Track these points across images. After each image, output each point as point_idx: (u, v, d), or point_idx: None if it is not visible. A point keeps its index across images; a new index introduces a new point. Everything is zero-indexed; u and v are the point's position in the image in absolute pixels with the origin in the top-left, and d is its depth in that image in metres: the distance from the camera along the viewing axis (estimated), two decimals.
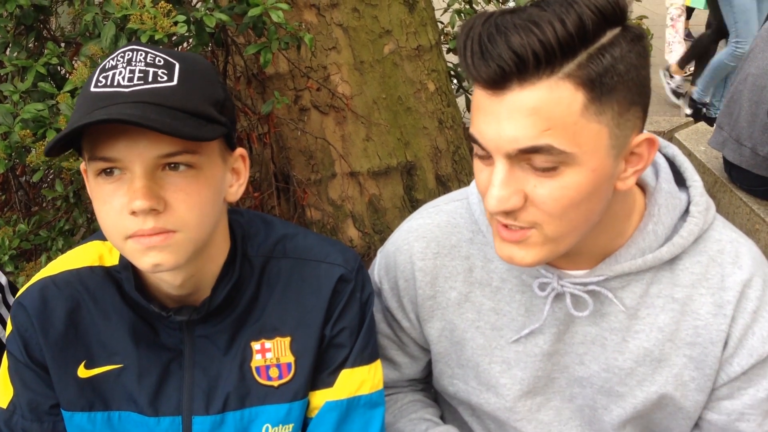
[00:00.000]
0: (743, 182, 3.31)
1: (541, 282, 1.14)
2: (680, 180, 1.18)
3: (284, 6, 1.72)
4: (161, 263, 0.99)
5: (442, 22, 2.91)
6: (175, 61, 1.00)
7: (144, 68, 0.97)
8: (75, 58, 1.80)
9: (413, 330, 1.29)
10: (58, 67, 1.70)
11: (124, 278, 1.12)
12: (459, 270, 1.22)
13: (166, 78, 0.97)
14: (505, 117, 0.93)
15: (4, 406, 1.17)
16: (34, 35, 1.75)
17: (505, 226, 1.00)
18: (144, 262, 0.99)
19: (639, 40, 0.95)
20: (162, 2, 1.49)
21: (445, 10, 2.98)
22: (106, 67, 0.99)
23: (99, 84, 0.97)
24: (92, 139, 0.97)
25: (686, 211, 1.14)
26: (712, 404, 1.18)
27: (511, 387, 1.21)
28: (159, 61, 0.99)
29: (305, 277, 1.18)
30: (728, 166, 3.36)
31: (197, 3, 2.37)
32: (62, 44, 1.92)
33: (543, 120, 0.91)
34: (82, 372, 1.15)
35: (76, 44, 1.87)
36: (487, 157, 0.98)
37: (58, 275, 1.16)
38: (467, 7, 2.89)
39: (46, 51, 1.64)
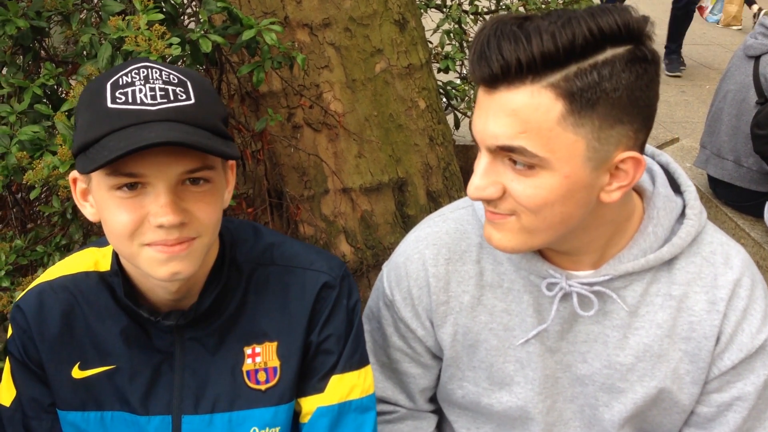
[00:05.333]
0: (728, 198, 3.38)
1: (549, 282, 1.18)
2: (674, 185, 1.23)
3: (277, 28, 1.76)
4: (180, 271, 1.04)
5: (431, 42, 2.96)
6: (186, 79, 1.03)
7: (163, 86, 1.00)
8: (72, 78, 1.83)
9: (428, 337, 1.32)
10: (55, 87, 1.73)
11: (115, 284, 1.15)
12: (471, 274, 1.26)
13: (184, 96, 1.00)
14: (492, 114, 1.00)
15: (8, 405, 1.22)
16: (31, 56, 1.78)
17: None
18: (163, 271, 1.03)
19: (642, 62, 0.99)
20: (156, 25, 1.53)
21: (435, 31, 3.03)
22: (120, 83, 1.00)
23: (118, 100, 0.98)
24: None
25: (682, 214, 1.20)
26: (702, 397, 1.23)
27: (524, 386, 1.26)
28: (173, 78, 1.02)
29: (291, 284, 1.22)
30: (713, 182, 3.42)
31: (189, 23, 2.41)
32: (56, 64, 1.95)
33: (520, 122, 0.98)
34: (77, 373, 1.19)
35: (72, 64, 1.90)
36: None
37: (55, 280, 1.21)
38: (456, 27, 2.94)
39: (43, 71, 1.66)
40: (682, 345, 1.19)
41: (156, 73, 1.01)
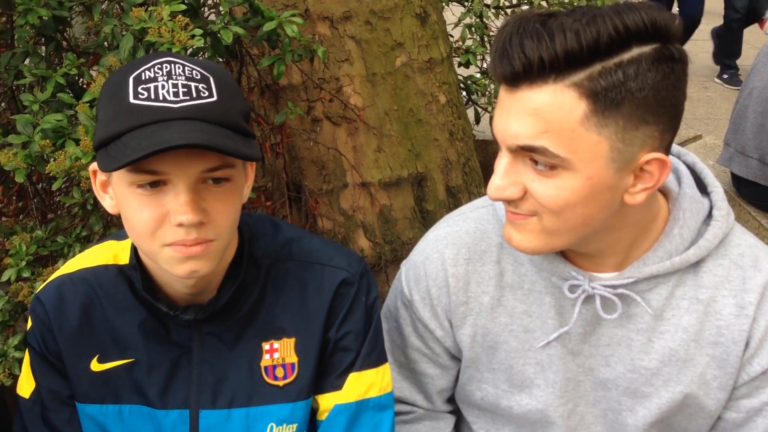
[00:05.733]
0: (752, 197, 3.33)
1: (572, 284, 1.16)
2: (700, 186, 1.21)
3: (298, 20, 1.75)
4: (198, 270, 1.04)
5: (452, 36, 2.93)
6: (208, 75, 1.02)
7: (185, 82, 0.99)
8: (93, 69, 1.83)
9: (447, 338, 1.30)
10: (77, 78, 1.73)
11: (134, 277, 1.16)
12: (491, 275, 1.24)
13: (206, 93, 0.99)
14: (513, 113, 0.98)
15: (27, 396, 1.23)
16: (53, 46, 1.78)
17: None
18: (181, 269, 1.03)
19: (669, 61, 0.96)
20: (179, 16, 1.52)
21: (456, 25, 3.01)
22: (143, 78, 0.99)
23: (140, 96, 0.98)
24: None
25: (708, 216, 1.17)
26: (731, 403, 1.21)
27: (545, 388, 1.24)
28: (196, 74, 1.01)
29: (309, 280, 1.21)
30: (736, 181, 3.38)
31: (208, 15, 2.40)
32: (77, 55, 1.95)
33: (542, 122, 0.96)
34: (95, 366, 1.19)
35: (93, 55, 1.90)
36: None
37: (74, 273, 1.21)
38: (478, 21, 2.91)
39: (65, 61, 1.66)
40: (709, 350, 1.17)
41: (179, 68, 1.00)
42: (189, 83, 0.99)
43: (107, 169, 0.98)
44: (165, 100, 0.97)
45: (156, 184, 1.00)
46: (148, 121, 0.96)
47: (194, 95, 0.98)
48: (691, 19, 5.49)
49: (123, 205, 1.04)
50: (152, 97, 0.97)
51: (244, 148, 1.00)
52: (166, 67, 1.00)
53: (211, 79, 1.01)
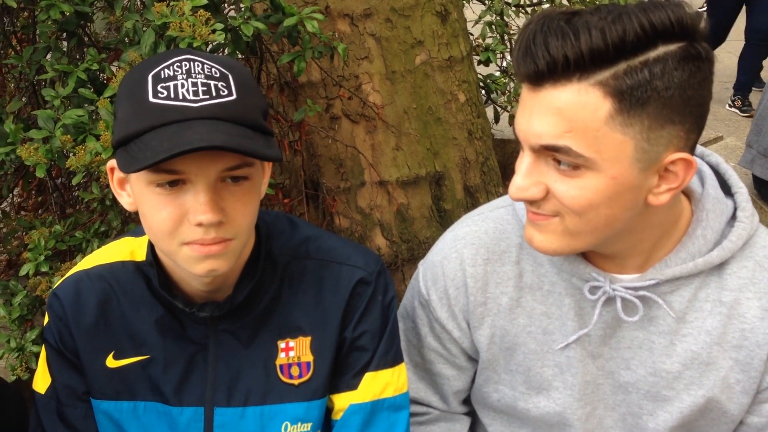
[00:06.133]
0: None
1: (592, 286, 1.15)
2: (724, 187, 1.19)
3: (319, 16, 1.74)
4: (216, 269, 1.03)
5: (472, 34, 2.92)
6: (227, 72, 1.01)
7: (205, 81, 0.98)
8: (113, 64, 1.83)
9: (464, 339, 1.29)
10: (98, 73, 1.73)
11: (151, 274, 1.16)
12: (510, 275, 1.23)
13: (226, 92, 0.99)
14: (536, 112, 0.97)
15: (42, 392, 1.23)
16: (75, 41, 1.79)
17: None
18: (200, 268, 1.03)
19: (695, 60, 0.95)
20: (201, 11, 1.52)
21: (476, 23, 2.99)
22: (163, 76, 0.98)
23: (160, 95, 0.97)
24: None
25: (732, 217, 1.15)
26: (754, 407, 1.19)
27: (563, 391, 1.22)
28: (215, 72, 1.00)
29: (326, 278, 1.21)
30: (758, 183, 3.33)
31: (228, 11, 2.40)
32: (98, 50, 1.95)
33: (566, 121, 0.94)
34: (111, 362, 1.19)
35: (114, 50, 1.91)
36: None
37: (91, 269, 1.21)
38: (498, 19, 2.89)
39: (87, 57, 1.67)
40: (732, 353, 1.15)
41: (198, 66, 1.00)
42: (208, 82, 0.98)
43: (128, 170, 0.97)
44: (185, 99, 0.97)
45: (175, 183, 0.99)
46: (168, 120, 0.96)
47: (214, 94, 0.98)
48: (761, 32, 5.26)
49: (141, 204, 1.04)
50: (172, 96, 0.97)
51: (265, 148, 1.00)
52: (185, 65, 1.00)
53: (230, 77, 1.01)
